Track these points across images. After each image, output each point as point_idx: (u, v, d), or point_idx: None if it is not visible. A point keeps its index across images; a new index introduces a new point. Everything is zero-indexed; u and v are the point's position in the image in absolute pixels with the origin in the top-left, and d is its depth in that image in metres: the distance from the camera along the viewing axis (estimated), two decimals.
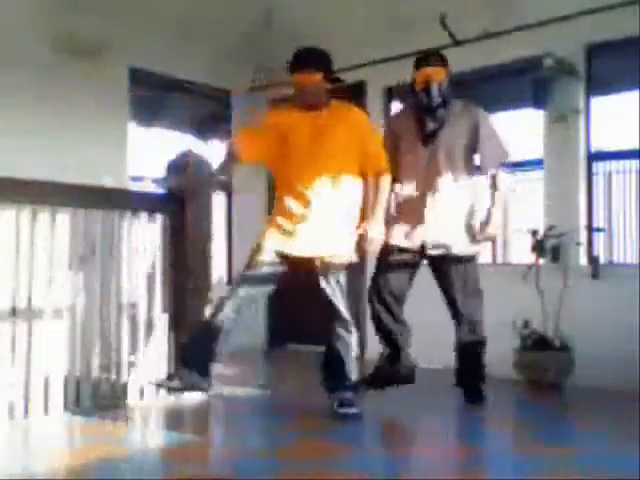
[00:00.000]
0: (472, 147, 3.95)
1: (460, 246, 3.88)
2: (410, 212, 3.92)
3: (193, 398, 4.14)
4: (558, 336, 4.57)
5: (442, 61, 3.91)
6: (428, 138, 3.89)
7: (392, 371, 3.96)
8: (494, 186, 3.94)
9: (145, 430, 3.85)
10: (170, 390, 3.71)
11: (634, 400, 4.08)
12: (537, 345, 4.58)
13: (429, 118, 3.88)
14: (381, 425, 3.64)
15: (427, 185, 3.90)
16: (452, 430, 3.63)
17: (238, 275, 3.80)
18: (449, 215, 3.90)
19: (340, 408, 3.68)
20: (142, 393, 4.16)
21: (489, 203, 3.93)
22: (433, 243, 3.87)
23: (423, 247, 3.90)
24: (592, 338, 4.51)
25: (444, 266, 3.90)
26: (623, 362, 4.39)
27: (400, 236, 3.90)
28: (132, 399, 4.10)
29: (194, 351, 3.63)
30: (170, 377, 3.72)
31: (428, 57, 3.94)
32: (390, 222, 3.93)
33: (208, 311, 3.76)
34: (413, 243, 3.90)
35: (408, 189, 3.94)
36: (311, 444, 3.31)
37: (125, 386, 4.10)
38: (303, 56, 3.74)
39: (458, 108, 3.94)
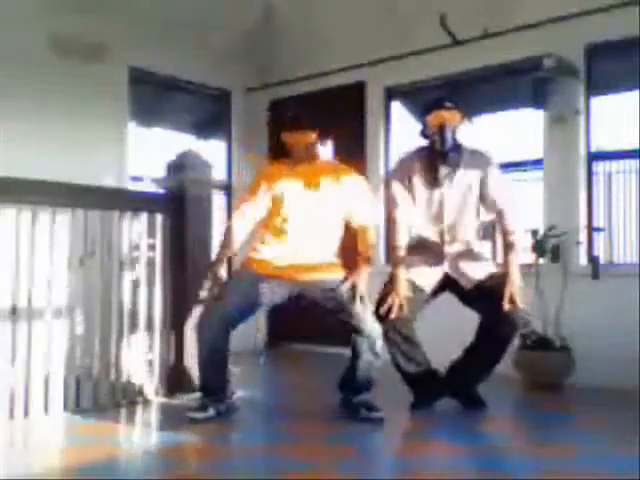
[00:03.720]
0: (481, 193, 3.91)
1: (478, 277, 3.86)
2: (427, 255, 3.90)
3: (192, 398, 4.16)
4: (558, 336, 4.57)
5: (455, 104, 3.90)
6: (441, 182, 3.87)
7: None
8: (508, 236, 3.86)
9: (144, 430, 3.85)
10: (205, 420, 3.65)
11: (634, 400, 4.09)
12: (537, 345, 4.58)
13: (442, 162, 3.86)
14: (380, 425, 3.63)
15: (441, 228, 3.88)
16: (451, 430, 3.63)
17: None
18: (465, 256, 3.89)
19: (367, 412, 3.67)
20: (141, 393, 4.16)
21: (506, 259, 3.83)
22: (452, 279, 3.88)
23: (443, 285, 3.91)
24: (592, 338, 4.51)
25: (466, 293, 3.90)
26: (623, 362, 4.39)
27: (419, 277, 3.88)
28: (132, 399, 4.10)
29: (211, 376, 3.71)
30: (201, 408, 3.69)
31: (441, 100, 3.93)
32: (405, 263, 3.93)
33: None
34: (429, 283, 3.88)
35: (423, 232, 3.92)
36: (312, 444, 3.30)
37: (125, 386, 4.10)
38: (298, 116, 3.91)
39: (468, 153, 3.92)
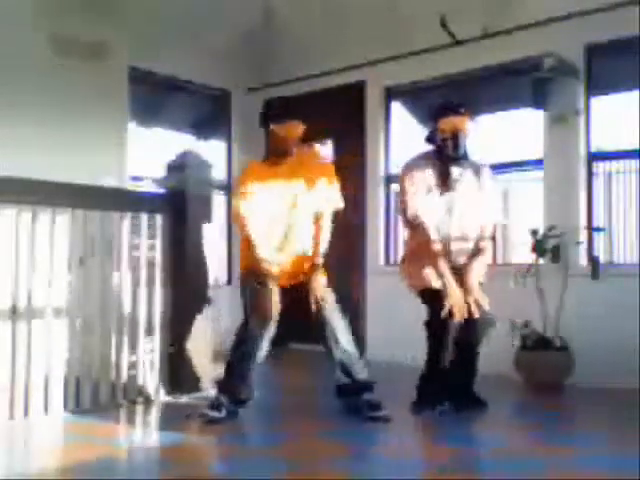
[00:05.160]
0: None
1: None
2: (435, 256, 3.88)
3: (193, 398, 4.16)
4: (558, 336, 4.57)
5: (466, 110, 3.90)
6: (452, 185, 3.88)
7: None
8: (479, 250, 3.90)
9: (144, 430, 3.85)
10: (217, 420, 3.63)
11: (634, 400, 4.08)
12: (537, 345, 4.58)
13: (453, 167, 3.87)
14: (381, 425, 3.63)
15: (449, 231, 3.87)
16: (451, 430, 3.63)
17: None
18: (470, 258, 3.89)
19: (372, 411, 3.66)
20: (141, 392, 4.16)
21: (470, 264, 3.83)
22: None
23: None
24: (592, 338, 4.51)
25: None
26: (623, 362, 4.39)
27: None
28: (132, 399, 4.10)
29: (238, 384, 3.71)
30: (214, 407, 3.68)
31: (453, 105, 3.92)
32: (414, 265, 3.92)
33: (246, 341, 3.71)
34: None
35: (432, 234, 3.88)
36: (312, 444, 3.30)
37: (125, 386, 4.10)
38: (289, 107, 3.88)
39: (472, 163, 3.95)
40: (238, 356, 3.73)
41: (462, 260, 3.88)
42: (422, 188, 3.89)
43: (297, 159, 3.82)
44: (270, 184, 3.75)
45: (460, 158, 3.88)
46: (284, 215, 3.74)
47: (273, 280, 3.65)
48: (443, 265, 3.76)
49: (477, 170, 3.97)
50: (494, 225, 4.09)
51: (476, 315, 3.69)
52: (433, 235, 3.82)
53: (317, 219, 3.80)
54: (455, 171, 3.89)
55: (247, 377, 3.73)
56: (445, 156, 3.88)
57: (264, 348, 3.74)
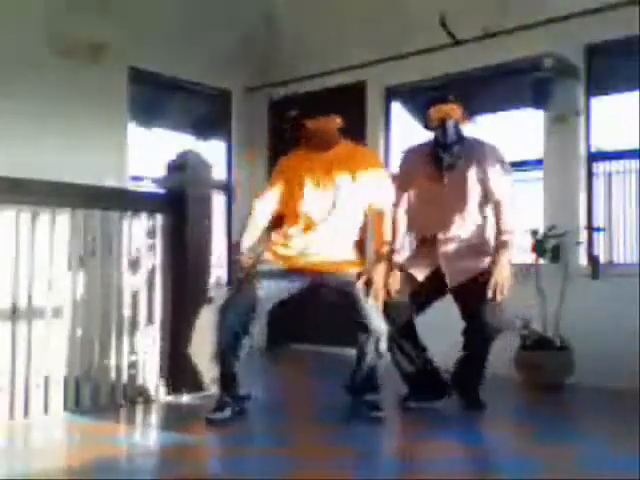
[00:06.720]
0: (483, 185, 3.90)
1: (472, 271, 3.85)
2: (426, 248, 3.91)
3: (193, 398, 4.16)
4: (558, 336, 4.57)
5: (456, 100, 3.93)
6: (444, 175, 3.88)
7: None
8: (502, 235, 3.85)
9: (144, 430, 3.85)
10: (221, 422, 3.63)
11: (634, 399, 4.09)
12: (537, 345, 4.58)
13: (445, 154, 3.87)
14: (379, 424, 3.63)
15: (443, 221, 3.88)
16: (451, 430, 3.63)
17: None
18: (464, 249, 3.88)
19: (368, 411, 3.67)
20: (141, 392, 4.16)
21: (496, 255, 3.81)
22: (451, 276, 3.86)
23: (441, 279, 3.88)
24: (592, 338, 4.51)
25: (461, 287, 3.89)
26: (623, 362, 4.39)
27: (419, 270, 3.88)
28: (132, 399, 4.10)
29: (230, 365, 3.67)
30: (218, 408, 3.67)
31: (442, 96, 3.98)
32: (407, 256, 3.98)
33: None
34: (422, 272, 3.87)
35: (424, 225, 3.93)
36: (312, 444, 3.30)
37: (125, 386, 4.10)
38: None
39: (473, 145, 3.93)
40: (219, 350, 3.69)
41: (453, 251, 3.86)
42: (410, 178, 3.92)
43: (338, 152, 3.77)
44: (306, 175, 3.72)
45: (451, 145, 3.85)
46: (321, 209, 3.71)
47: (252, 273, 3.66)
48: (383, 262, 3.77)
49: (482, 153, 3.89)
50: (514, 214, 3.94)
51: (499, 297, 3.70)
52: (395, 243, 3.87)
53: (375, 213, 3.80)
54: (447, 159, 3.86)
55: (235, 371, 3.66)
56: (437, 145, 3.88)
57: (242, 340, 3.62)
